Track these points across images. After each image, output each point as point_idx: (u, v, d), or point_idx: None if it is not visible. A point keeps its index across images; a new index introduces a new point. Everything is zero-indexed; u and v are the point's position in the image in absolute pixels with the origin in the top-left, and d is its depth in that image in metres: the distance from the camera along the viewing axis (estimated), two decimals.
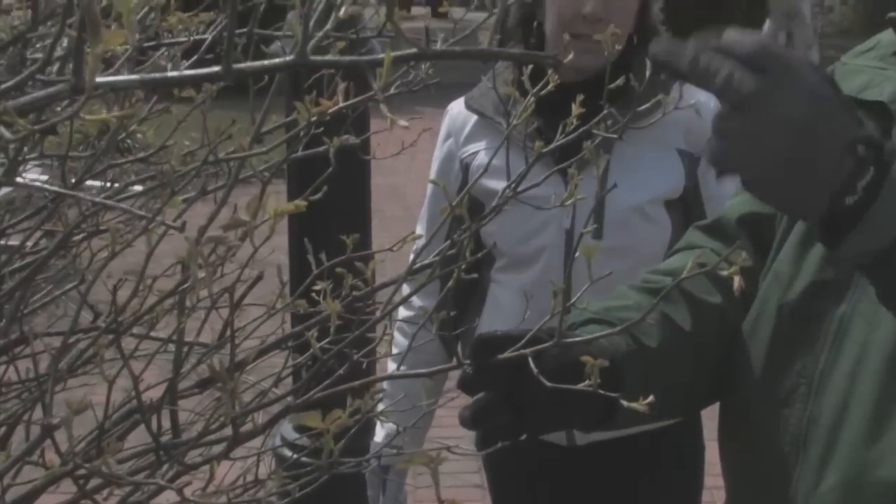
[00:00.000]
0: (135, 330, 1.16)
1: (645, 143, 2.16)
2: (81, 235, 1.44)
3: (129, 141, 1.53)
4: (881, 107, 1.43)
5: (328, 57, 0.76)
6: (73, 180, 1.33)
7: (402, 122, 0.83)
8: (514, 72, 2.15)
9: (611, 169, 2.18)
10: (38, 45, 1.26)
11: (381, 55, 0.73)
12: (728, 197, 2.21)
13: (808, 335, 1.44)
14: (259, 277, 1.01)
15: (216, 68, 0.70)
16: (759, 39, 1.21)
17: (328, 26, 0.78)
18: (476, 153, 2.33)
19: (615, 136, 1.61)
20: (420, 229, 2.44)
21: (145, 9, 1.12)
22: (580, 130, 1.40)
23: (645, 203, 2.22)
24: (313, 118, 1.01)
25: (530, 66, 1.68)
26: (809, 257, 1.47)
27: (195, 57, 1.34)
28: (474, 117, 2.35)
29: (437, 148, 2.44)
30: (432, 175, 2.44)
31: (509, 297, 2.29)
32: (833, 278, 1.43)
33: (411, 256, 2.03)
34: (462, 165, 2.36)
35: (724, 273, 1.21)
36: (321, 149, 1.15)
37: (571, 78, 2.11)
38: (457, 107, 2.42)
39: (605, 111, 1.44)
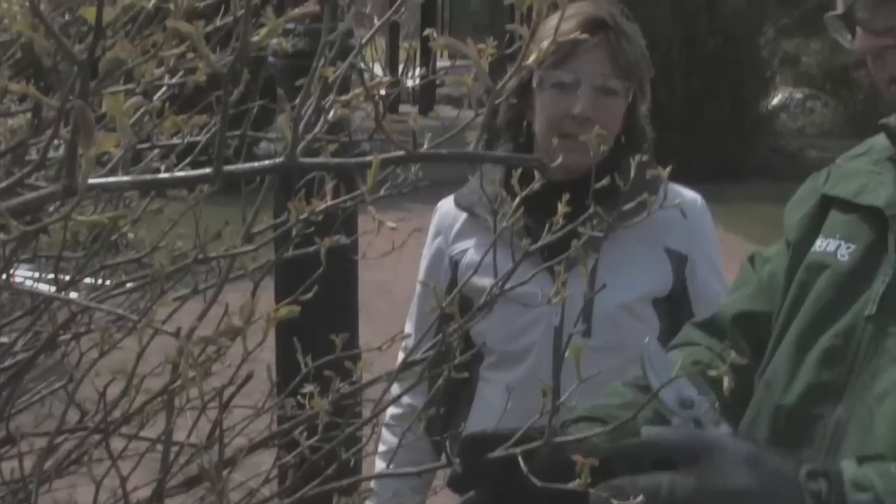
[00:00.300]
0: (123, 430, 1.15)
1: (633, 242, 2.18)
2: (70, 335, 1.44)
3: (121, 240, 1.54)
4: (877, 212, 1.45)
5: (317, 159, 0.77)
6: (65, 278, 1.34)
7: (391, 224, 0.84)
8: (502, 171, 2.16)
9: (599, 267, 2.18)
10: (36, 149, 1.27)
11: (370, 157, 0.74)
12: (714, 295, 2.23)
13: (804, 439, 1.45)
14: (248, 377, 1.01)
15: (207, 170, 0.71)
16: (681, 434, 1.30)
17: (317, 129, 0.79)
18: (465, 251, 2.33)
19: (600, 234, 1.62)
20: (409, 328, 2.43)
21: (140, 110, 1.14)
22: (566, 229, 1.42)
23: (633, 301, 2.23)
24: (303, 217, 1.02)
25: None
26: (807, 359, 1.47)
27: (189, 158, 1.35)
28: (464, 215, 2.36)
29: (427, 246, 2.45)
30: (421, 273, 2.43)
31: (498, 394, 2.28)
32: (830, 381, 1.43)
33: (400, 355, 2.02)
34: (451, 263, 2.37)
35: (715, 373, 1.22)
36: (311, 249, 1.16)
37: (560, 177, 2.14)
38: (446, 205, 2.43)
39: (590, 211, 1.45)
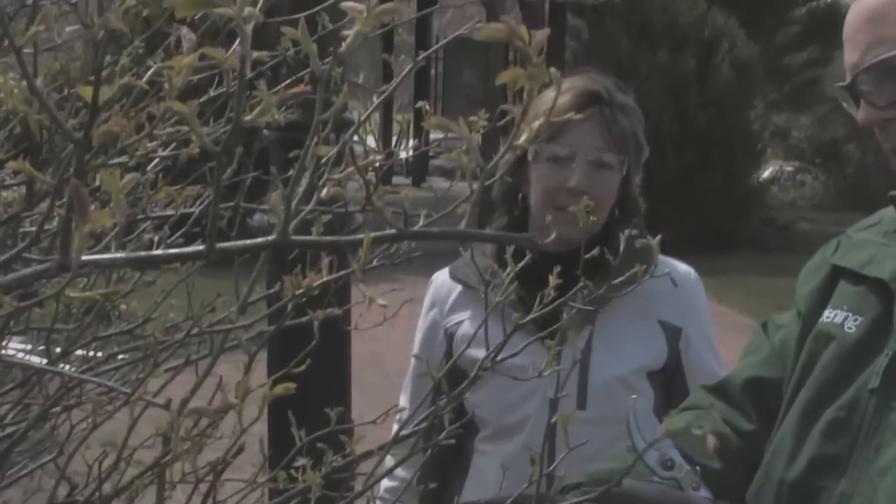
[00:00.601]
0: None
1: (627, 314, 2.18)
2: (61, 407, 1.43)
3: (113, 311, 1.54)
4: (882, 284, 1.46)
5: (309, 237, 0.77)
6: (57, 350, 1.34)
7: (381, 301, 0.84)
8: (494, 244, 2.17)
9: (594, 339, 2.20)
10: (29, 221, 1.28)
11: (361, 236, 0.74)
12: (709, 368, 2.23)
13: None
14: (240, 450, 1.01)
15: (200, 247, 0.72)
16: (655, 490, 1.33)
17: (310, 206, 0.80)
18: (461, 322, 2.33)
19: (591, 307, 1.63)
20: (403, 400, 2.42)
21: (133, 183, 1.15)
22: (558, 302, 1.42)
23: (628, 374, 2.22)
24: (298, 292, 1.02)
25: None
26: (812, 431, 1.48)
27: (182, 230, 1.36)
28: (459, 287, 2.36)
29: (422, 318, 2.45)
30: (416, 345, 2.43)
31: (493, 467, 2.26)
32: (834, 454, 1.43)
33: (394, 427, 2.01)
34: (447, 335, 2.36)
35: (697, 432, 1.22)
36: (303, 319, 1.16)
37: (554, 249, 2.14)
38: (441, 277, 2.43)
39: (581, 283, 1.46)
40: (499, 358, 1.35)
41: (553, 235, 1.33)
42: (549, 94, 2.23)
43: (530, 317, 1.42)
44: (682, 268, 2.34)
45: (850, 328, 1.49)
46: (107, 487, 1.07)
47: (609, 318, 2.17)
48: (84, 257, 0.64)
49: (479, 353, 1.87)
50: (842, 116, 19.68)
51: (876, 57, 1.40)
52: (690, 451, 1.50)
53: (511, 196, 2.33)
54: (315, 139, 0.75)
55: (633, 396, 1.55)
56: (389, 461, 1.70)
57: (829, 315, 1.53)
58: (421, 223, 0.80)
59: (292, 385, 0.88)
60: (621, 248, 1.49)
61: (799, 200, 20.22)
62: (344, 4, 0.75)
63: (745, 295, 11.35)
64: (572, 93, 2.22)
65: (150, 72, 0.91)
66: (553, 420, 2.14)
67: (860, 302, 1.50)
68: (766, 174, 18.57)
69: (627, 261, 1.57)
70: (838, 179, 20.29)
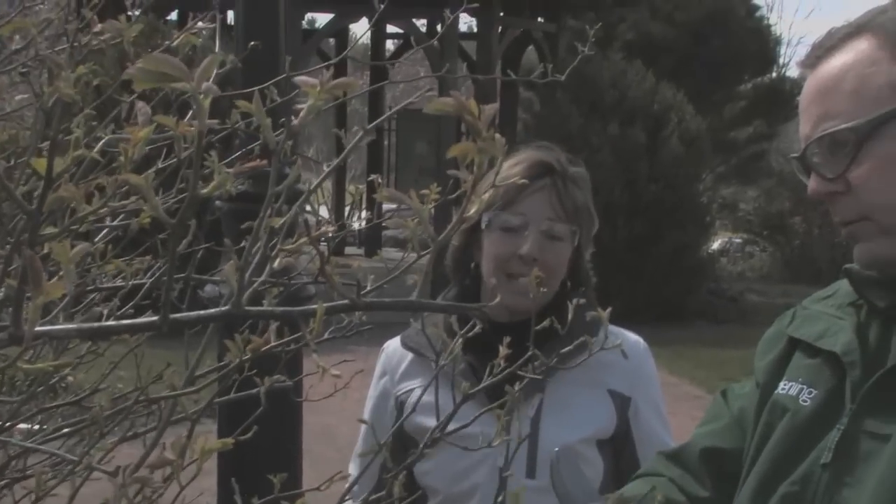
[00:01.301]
0: None
1: (576, 384, 2.19)
2: (5, 481, 1.40)
3: (60, 383, 1.52)
4: (835, 357, 1.47)
5: (262, 308, 0.77)
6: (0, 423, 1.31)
7: (334, 371, 0.84)
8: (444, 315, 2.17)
9: (543, 408, 2.20)
10: None
11: (314, 307, 0.75)
12: (658, 438, 2.23)
13: None
14: None
15: (153, 318, 0.72)
16: None
17: (263, 277, 0.80)
18: (411, 390, 2.32)
19: (540, 377, 1.63)
20: (352, 468, 2.41)
21: (83, 253, 1.14)
22: (506, 371, 1.42)
23: (576, 442, 2.21)
24: (245, 358, 1.02)
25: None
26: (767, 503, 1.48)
27: (132, 302, 1.35)
28: (410, 355, 2.36)
29: (372, 386, 2.44)
30: (366, 412, 2.41)
31: None
32: None
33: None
34: (397, 403, 2.35)
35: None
36: (253, 391, 1.16)
37: (504, 318, 2.15)
38: (392, 345, 2.43)
39: (530, 353, 1.46)
40: (449, 428, 1.34)
41: (499, 300, 1.33)
42: (504, 164, 2.27)
43: (479, 387, 1.42)
44: (632, 338, 2.35)
45: (804, 401, 1.49)
46: None
47: (558, 387, 2.18)
48: (38, 328, 0.63)
49: (429, 421, 1.87)
50: (787, 190, 20.00)
51: (825, 130, 1.43)
52: None
53: (463, 266, 2.34)
54: (269, 211, 0.75)
55: (557, 449, 1.56)
56: None
57: (785, 387, 1.54)
58: (371, 291, 0.80)
59: (230, 441, 0.88)
60: (569, 318, 1.50)
61: (747, 272, 20.43)
62: (297, 79, 0.76)
63: (695, 366, 11.41)
64: (525, 163, 2.24)
65: (101, 143, 0.91)
66: (501, 496, 2.14)
67: (814, 375, 1.51)
68: (715, 246, 18.78)
69: (577, 331, 1.58)
70: (785, 251, 20.53)
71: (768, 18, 21.53)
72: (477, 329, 1.44)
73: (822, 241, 19.33)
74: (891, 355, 1.43)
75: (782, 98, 21.01)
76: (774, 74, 21.66)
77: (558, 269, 2.23)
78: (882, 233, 1.42)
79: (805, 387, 1.51)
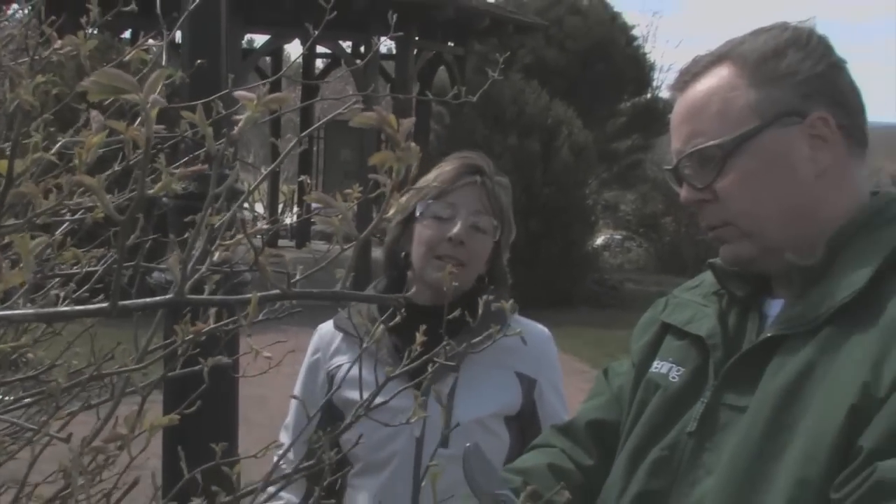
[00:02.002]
0: None
1: (488, 366, 2.19)
2: None
3: (21, 359, 1.48)
4: (700, 340, 1.49)
5: (203, 297, 0.76)
6: None
7: (266, 354, 0.83)
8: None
9: (458, 386, 2.19)
10: None
11: (250, 295, 0.74)
12: (558, 416, 2.25)
13: None
14: (135, 483, 0.97)
15: (104, 304, 0.70)
16: None
17: (203, 269, 0.78)
18: (340, 366, 2.30)
19: (453, 363, 1.63)
20: (283, 437, 2.39)
21: (42, 245, 1.11)
22: (424, 358, 1.41)
23: (486, 416, 2.21)
24: (188, 339, 1.00)
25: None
26: (639, 469, 1.49)
27: (86, 286, 1.32)
28: (341, 335, 2.35)
29: (305, 362, 2.41)
30: (298, 385, 2.39)
31: (364, 500, 2.23)
32: (657, 489, 1.45)
33: (274, 459, 1.97)
34: (328, 377, 2.33)
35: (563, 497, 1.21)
36: (196, 368, 1.14)
37: (428, 301, 2.15)
38: (326, 326, 2.40)
39: (445, 342, 1.46)
40: (373, 404, 1.33)
41: (423, 283, 1.30)
42: (441, 166, 2.27)
43: (399, 370, 1.41)
44: (538, 328, 2.37)
45: (673, 378, 1.51)
46: None
47: (471, 368, 2.18)
48: None
49: (355, 394, 1.85)
50: (660, 194, 20.32)
51: (695, 146, 1.44)
52: (540, 487, 1.50)
53: (394, 257, 2.32)
54: (209, 210, 0.74)
55: (467, 444, 1.55)
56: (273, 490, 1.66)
57: (657, 366, 1.56)
58: (299, 281, 0.79)
59: (177, 417, 0.86)
60: (480, 310, 1.50)
61: (626, 264, 20.69)
62: (237, 93, 0.75)
63: (582, 344, 11.54)
64: (458, 163, 2.26)
65: (58, 145, 0.89)
66: (420, 459, 2.13)
67: (683, 355, 1.52)
68: (598, 242, 18.97)
69: (485, 321, 1.58)
70: (657, 247, 20.82)
71: (644, 47, 21.76)
72: (398, 318, 1.43)
73: (689, 239, 19.65)
74: (746, 338, 1.45)
75: (656, 115, 21.30)
76: (649, 95, 21.92)
77: (480, 258, 2.24)
78: (743, 236, 1.44)
79: (674, 366, 1.52)
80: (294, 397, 2.29)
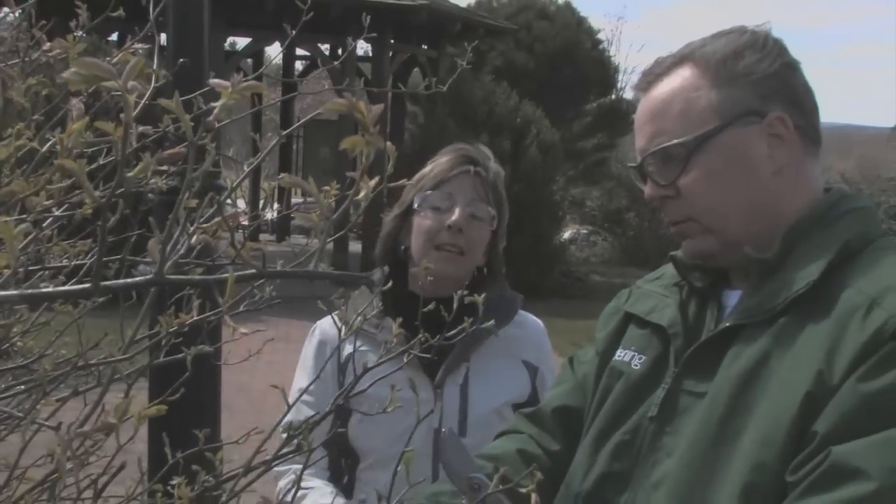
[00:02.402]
0: None
1: (495, 355, 2.15)
2: None
3: (11, 349, 1.47)
4: (661, 329, 1.50)
5: (181, 276, 0.76)
6: None
7: (243, 330, 0.83)
8: (375, 297, 2.05)
9: (470, 376, 2.14)
10: None
11: (226, 275, 0.74)
12: None
13: None
14: (121, 467, 0.97)
15: (87, 285, 0.70)
16: None
17: (182, 251, 0.78)
18: (350, 358, 2.14)
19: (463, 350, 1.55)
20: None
21: (31, 237, 1.10)
22: (435, 342, 1.34)
23: (501, 405, 2.16)
24: (172, 329, 0.99)
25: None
26: (602, 452, 1.49)
27: (76, 279, 1.31)
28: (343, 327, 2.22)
29: (310, 357, 2.24)
30: (304, 378, 2.21)
31: (373, 496, 2.05)
32: (619, 471, 1.45)
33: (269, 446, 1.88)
34: (341, 366, 2.17)
35: (524, 490, 1.20)
36: (180, 356, 1.13)
37: (431, 294, 2.05)
38: (328, 321, 2.23)
39: (464, 324, 1.36)
40: (391, 394, 1.28)
41: (427, 272, 1.26)
42: (437, 158, 2.23)
43: (400, 351, 1.33)
44: (533, 318, 2.34)
45: (635, 365, 1.51)
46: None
47: (481, 358, 2.14)
48: None
49: (365, 386, 1.71)
50: (624, 190, 20.40)
51: (658, 145, 1.44)
52: (510, 473, 1.50)
53: (392, 251, 2.24)
54: (186, 195, 0.74)
55: (444, 430, 1.53)
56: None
57: (621, 354, 1.56)
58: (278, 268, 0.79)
59: (164, 407, 0.86)
60: (482, 299, 1.41)
61: (591, 257, 20.75)
62: (211, 81, 0.75)
63: (550, 333, 11.51)
64: (453, 154, 2.21)
65: (49, 143, 0.88)
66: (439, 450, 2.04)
67: (645, 343, 1.53)
68: (565, 236, 19.01)
69: (492, 310, 1.54)
70: (622, 240, 20.90)
71: (609, 51, 21.84)
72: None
73: (651, 233, 19.75)
74: (705, 328, 1.46)
75: (620, 115, 21.38)
76: (614, 96, 22.01)
77: (478, 246, 2.18)
78: (705, 231, 1.44)
79: (637, 353, 1.52)
80: (299, 389, 2.13)
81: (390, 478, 1.94)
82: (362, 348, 2.12)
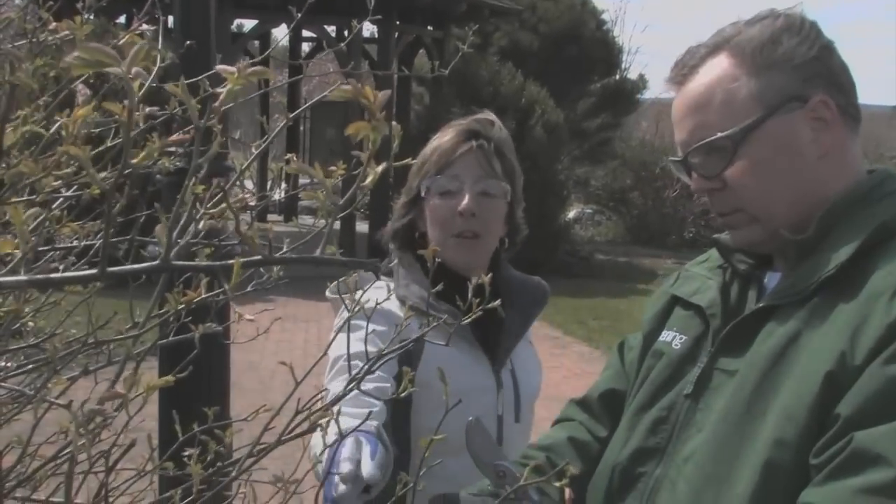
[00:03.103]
0: (18, 493, 1.09)
1: (521, 339, 2.13)
2: None
3: (24, 328, 1.48)
4: (702, 310, 1.51)
5: (188, 262, 0.76)
6: None
7: (249, 317, 0.83)
8: (419, 276, 2.00)
9: (514, 360, 2.11)
10: None
11: (233, 261, 0.73)
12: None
13: (631, 492, 1.49)
14: (132, 444, 0.98)
15: (94, 271, 0.70)
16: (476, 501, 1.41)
17: (188, 236, 0.78)
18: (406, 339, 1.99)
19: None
20: (336, 386, 1.85)
21: (40, 218, 1.10)
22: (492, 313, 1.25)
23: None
24: (180, 307, 1.00)
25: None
26: (639, 426, 1.51)
27: (85, 259, 1.31)
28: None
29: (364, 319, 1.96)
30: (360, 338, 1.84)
31: (443, 483, 1.73)
32: (654, 445, 1.47)
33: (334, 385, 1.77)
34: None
35: (556, 485, 1.21)
36: (189, 335, 1.14)
37: (463, 273, 1.99)
38: (377, 293, 1.96)
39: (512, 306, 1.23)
40: (466, 384, 1.23)
41: (456, 257, 1.18)
42: (438, 138, 2.11)
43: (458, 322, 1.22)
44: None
45: (676, 345, 1.53)
46: (11, 477, 1.02)
47: (518, 342, 2.11)
48: None
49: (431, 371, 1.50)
50: (629, 170, 20.35)
51: (703, 138, 1.42)
52: (560, 460, 1.50)
53: (409, 237, 2.12)
54: (193, 179, 0.74)
55: (470, 418, 1.52)
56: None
57: (664, 336, 1.58)
58: (285, 250, 0.79)
59: (171, 378, 0.86)
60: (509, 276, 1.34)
61: (596, 236, 20.73)
62: (217, 67, 0.74)
63: (554, 312, 11.59)
64: (454, 132, 2.10)
65: (56, 125, 0.88)
66: (505, 437, 1.98)
67: (686, 324, 1.54)
68: (570, 215, 19.00)
69: (526, 290, 1.49)
70: (626, 220, 20.88)
71: (613, 31, 21.72)
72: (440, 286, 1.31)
73: (655, 212, 19.73)
74: (747, 309, 1.46)
75: (624, 95, 21.32)
76: (618, 76, 21.92)
77: (496, 225, 2.09)
78: (753, 221, 1.43)
79: (678, 334, 1.54)
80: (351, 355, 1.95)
81: (459, 464, 1.66)
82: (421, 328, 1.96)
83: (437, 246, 1.99)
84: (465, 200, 2.03)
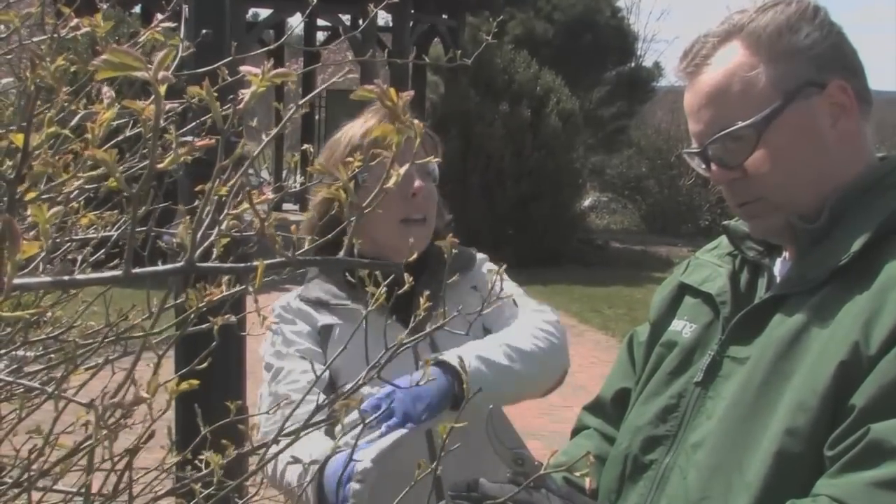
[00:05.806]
0: (40, 483, 1.09)
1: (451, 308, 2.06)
2: None
3: (42, 318, 1.48)
4: (711, 298, 1.50)
5: (212, 265, 0.76)
6: None
7: (270, 321, 0.83)
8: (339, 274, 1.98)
9: (440, 335, 2.05)
10: None
11: (256, 264, 0.73)
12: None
13: (642, 479, 1.49)
14: (151, 436, 0.98)
15: (118, 272, 0.70)
16: (494, 488, 1.40)
17: (213, 237, 0.78)
18: (331, 325, 1.99)
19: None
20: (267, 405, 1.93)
21: (58, 216, 1.11)
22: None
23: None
24: (202, 305, 1.00)
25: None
26: (650, 415, 1.51)
27: (102, 250, 1.32)
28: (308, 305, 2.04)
29: (283, 338, 2.03)
30: (290, 351, 1.99)
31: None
32: (664, 433, 1.47)
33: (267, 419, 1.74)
34: (323, 332, 2.01)
35: (577, 474, 1.21)
36: (205, 326, 1.14)
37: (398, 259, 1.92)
38: (294, 302, 2.06)
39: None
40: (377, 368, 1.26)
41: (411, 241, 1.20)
42: (360, 122, 2.10)
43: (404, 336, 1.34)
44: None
45: (686, 334, 1.52)
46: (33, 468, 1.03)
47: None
48: (15, 281, 0.61)
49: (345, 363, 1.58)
50: (644, 158, 20.27)
51: (723, 129, 1.40)
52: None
53: (333, 227, 1.99)
54: (217, 181, 0.74)
55: (490, 406, 1.51)
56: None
57: (675, 325, 1.57)
58: (305, 248, 0.79)
59: (195, 381, 0.86)
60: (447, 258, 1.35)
61: (611, 225, 20.69)
62: (242, 68, 0.74)
63: (570, 300, 11.57)
64: (377, 115, 2.07)
65: (75, 119, 0.88)
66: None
67: (696, 312, 1.53)
68: (586, 203, 18.96)
69: (452, 267, 1.45)
70: (641, 208, 20.81)
71: (628, 19, 21.66)
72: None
73: (670, 200, 19.65)
74: (756, 296, 1.46)
75: (639, 83, 21.26)
76: (633, 64, 21.86)
77: (435, 206, 2.02)
78: (774, 209, 1.42)
79: (688, 322, 1.53)
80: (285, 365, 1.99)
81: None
82: (337, 322, 1.97)
83: (377, 232, 1.93)
84: (417, 182, 1.96)
